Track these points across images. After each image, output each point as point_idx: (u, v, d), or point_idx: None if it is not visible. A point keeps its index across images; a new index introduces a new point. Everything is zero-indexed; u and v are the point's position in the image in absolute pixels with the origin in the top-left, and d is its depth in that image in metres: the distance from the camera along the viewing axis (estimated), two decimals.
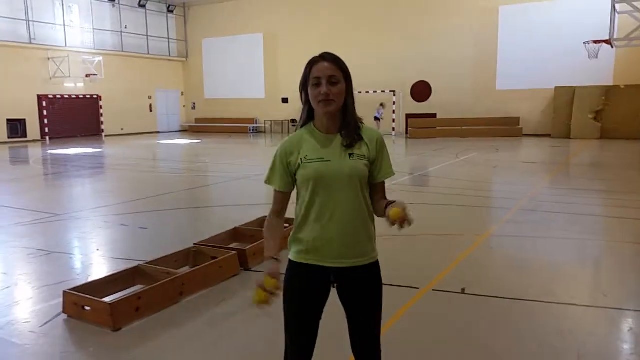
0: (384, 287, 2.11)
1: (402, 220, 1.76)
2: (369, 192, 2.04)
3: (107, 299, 3.86)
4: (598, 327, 3.65)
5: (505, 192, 9.54)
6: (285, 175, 2.04)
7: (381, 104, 22.93)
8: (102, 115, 25.70)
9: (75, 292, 3.91)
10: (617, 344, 3.41)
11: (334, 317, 2.22)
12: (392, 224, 1.78)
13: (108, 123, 25.91)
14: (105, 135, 25.55)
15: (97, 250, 5.85)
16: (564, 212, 7.27)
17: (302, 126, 2.07)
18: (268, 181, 2.09)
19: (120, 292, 4.15)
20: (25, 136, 23.08)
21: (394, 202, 1.86)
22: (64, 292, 3.94)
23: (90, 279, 4.55)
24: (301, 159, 1.98)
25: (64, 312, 3.90)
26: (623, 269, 5.00)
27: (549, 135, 20.78)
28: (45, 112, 23.44)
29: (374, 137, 2.03)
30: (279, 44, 27.82)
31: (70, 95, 24.65)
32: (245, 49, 28.72)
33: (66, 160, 15.91)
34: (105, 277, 4.34)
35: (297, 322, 2.12)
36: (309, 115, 2.05)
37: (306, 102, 2.01)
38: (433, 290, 4.33)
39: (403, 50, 23.97)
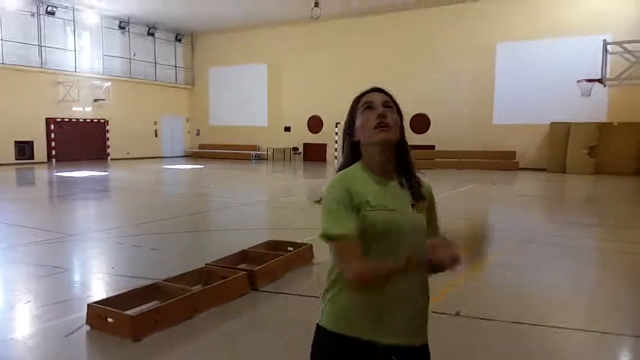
0: None
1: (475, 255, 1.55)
2: None
3: (128, 312, 4.18)
4: (586, 350, 3.96)
5: (501, 224, 9.89)
6: (353, 214, 1.57)
7: None
8: (108, 139, 26.22)
9: (98, 305, 4.23)
10: None
11: None
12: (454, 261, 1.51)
13: (114, 147, 26.41)
14: (111, 159, 26.00)
15: (113, 268, 6.17)
16: (557, 243, 7.61)
17: (343, 168, 1.71)
18: (329, 231, 1.56)
19: (139, 307, 4.47)
20: (33, 158, 23.51)
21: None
22: (88, 305, 4.26)
23: (108, 295, 4.86)
24: (364, 202, 1.57)
25: (87, 323, 4.21)
26: (612, 297, 5.33)
27: (544, 170, 21.23)
28: (52, 135, 23.92)
29: (429, 190, 1.76)
30: (283, 75, 28.56)
31: (77, 119, 25.20)
32: (250, 78, 29.46)
33: (74, 182, 16.29)
34: (125, 293, 4.65)
35: None
36: (352, 156, 1.70)
37: (350, 142, 1.71)
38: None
39: (403, 84, 24.59)
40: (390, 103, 1.67)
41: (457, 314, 4.52)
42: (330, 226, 1.56)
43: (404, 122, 1.69)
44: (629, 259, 6.90)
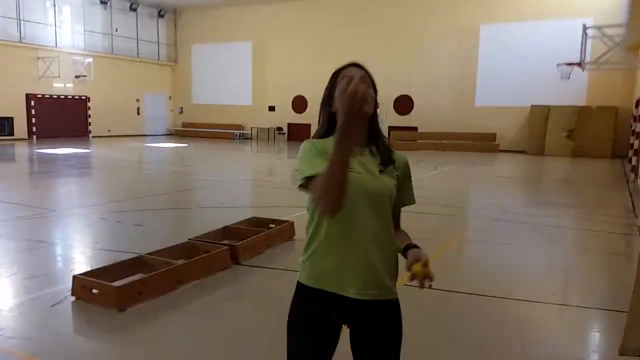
0: None
1: (424, 278, 1.63)
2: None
3: (114, 283, 4.33)
4: (545, 319, 4.23)
5: (478, 203, 10.20)
6: (322, 158, 1.66)
7: None
8: (89, 116, 25.94)
9: (83, 277, 4.38)
10: (557, 334, 3.99)
11: None
12: (412, 279, 1.62)
13: (95, 124, 26.15)
14: (92, 136, 25.77)
15: (97, 243, 6.29)
16: (529, 222, 7.92)
17: (320, 137, 1.83)
18: (304, 173, 1.69)
19: (123, 279, 4.61)
20: (12, 134, 23.20)
21: (414, 246, 1.75)
22: (74, 276, 4.40)
23: (92, 268, 4.99)
24: None
25: (72, 294, 4.35)
26: (574, 272, 5.63)
27: (524, 152, 21.63)
28: (33, 111, 23.60)
29: (403, 160, 1.85)
30: (268, 53, 28.40)
31: (58, 95, 24.85)
32: (234, 56, 29.22)
33: (56, 159, 16.20)
34: (110, 265, 4.79)
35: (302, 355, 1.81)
36: (328, 126, 1.81)
37: (327, 115, 1.82)
38: (404, 285, 4.86)
39: (387, 65, 24.67)
40: (367, 78, 1.77)
41: (430, 286, 4.75)
42: (304, 169, 1.69)
43: (377, 97, 1.79)
44: (598, 236, 7.22)
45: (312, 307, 1.77)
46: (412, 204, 1.90)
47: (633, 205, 9.41)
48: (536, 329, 3.98)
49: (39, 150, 18.88)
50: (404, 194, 1.84)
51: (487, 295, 4.64)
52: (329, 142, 1.67)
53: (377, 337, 1.79)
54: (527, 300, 4.58)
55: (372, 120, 1.79)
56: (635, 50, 16.23)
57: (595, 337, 4.03)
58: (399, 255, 1.81)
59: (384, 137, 1.85)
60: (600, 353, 3.69)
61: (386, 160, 1.78)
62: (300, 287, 1.81)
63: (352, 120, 1.50)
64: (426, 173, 14.28)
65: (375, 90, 1.80)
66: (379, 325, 1.79)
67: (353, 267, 1.71)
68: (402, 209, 1.93)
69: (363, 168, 1.73)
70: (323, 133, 1.83)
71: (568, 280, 5.45)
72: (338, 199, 1.55)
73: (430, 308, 4.33)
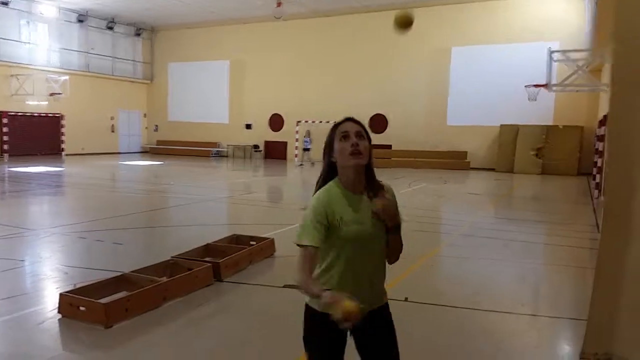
0: None
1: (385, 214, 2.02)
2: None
3: (101, 300, 4.43)
4: (514, 329, 4.50)
5: (450, 219, 10.55)
6: (323, 229, 2.00)
7: (308, 132, 24.02)
8: (63, 134, 25.68)
9: (70, 294, 4.47)
10: (525, 342, 4.25)
11: None
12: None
13: (69, 142, 25.88)
14: (66, 154, 25.48)
15: (79, 261, 6.34)
16: (499, 237, 8.26)
17: (322, 182, 2.13)
18: (299, 238, 2.01)
19: (108, 297, 4.71)
20: None
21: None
22: (60, 294, 4.49)
23: (77, 286, 5.07)
24: (338, 219, 2.02)
25: (59, 312, 4.44)
26: (542, 284, 5.94)
27: (493, 169, 22.26)
28: (5, 129, 23.26)
29: (390, 191, 2.16)
30: (245, 72, 28.67)
31: (32, 113, 24.59)
32: (211, 74, 29.40)
33: (29, 178, 16.02)
34: (95, 283, 4.89)
35: None
36: (329, 172, 2.11)
37: (329, 161, 2.11)
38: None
39: (363, 84, 25.27)
40: (362, 132, 2.07)
41: (406, 299, 4.99)
42: (302, 235, 2.01)
43: (372, 147, 2.11)
44: (564, 250, 7.59)
45: (330, 327, 1.89)
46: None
47: (597, 221, 9.87)
48: (505, 338, 4.24)
49: (11, 169, 18.61)
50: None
51: (460, 307, 4.90)
52: (332, 192, 2.06)
53: (379, 331, 2.18)
54: (496, 311, 4.85)
55: (369, 167, 2.10)
56: (597, 73, 17.06)
57: (560, 344, 4.31)
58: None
59: (378, 182, 2.15)
60: (564, 359, 3.96)
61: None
62: (318, 314, 2.06)
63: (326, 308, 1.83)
64: (400, 190, 14.61)
65: (370, 140, 2.10)
66: (380, 323, 2.18)
67: (361, 292, 2.00)
68: None
69: (360, 218, 2.05)
70: (326, 177, 2.14)
71: (536, 291, 5.76)
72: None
73: (404, 320, 4.55)
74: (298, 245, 2.02)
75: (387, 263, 2.21)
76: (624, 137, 3.23)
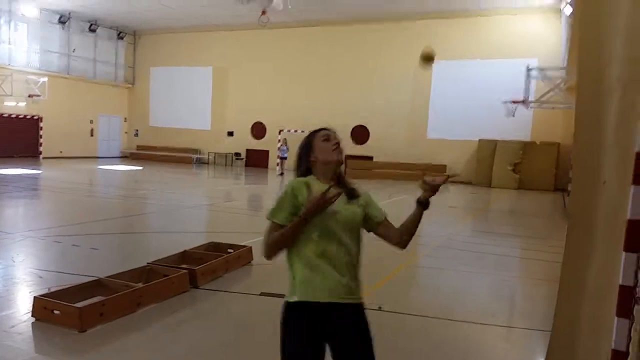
0: None
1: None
2: (385, 232, 2.47)
3: (75, 304, 4.43)
4: (484, 339, 4.62)
5: (427, 231, 10.67)
6: (292, 211, 2.26)
7: (284, 140, 23.62)
8: (41, 136, 25.33)
9: (45, 298, 4.46)
10: (495, 352, 4.38)
11: None
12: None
13: (47, 145, 25.55)
14: (43, 157, 25.14)
15: (54, 266, 6.30)
16: (473, 250, 8.43)
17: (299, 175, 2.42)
18: (270, 214, 2.29)
19: (83, 301, 4.71)
20: None
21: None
22: (35, 297, 4.48)
23: (52, 290, 5.05)
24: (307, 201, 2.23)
25: (32, 315, 4.42)
26: (514, 296, 6.09)
27: (471, 183, 22.60)
28: None
29: (364, 193, 2.47)
30: (228, 79, 28.69)
31: (10, 114, 24.22)
32: (194, 80, 29.35)
33: (4, 180, 15.77)
34: (70, 287, 4.88)
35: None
36: (306, 171, 2.40)
37: (307, 162, 2.40)
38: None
39: (345, 95, 25.49)
40: (338, 138, 2.43)
41: (380, 308, 5.08)
42: (274, 212, 2.29)
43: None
44: (539, 264, 7.78)
45: (304, 317, 2.23)
46: (385, 216, 2.51)
47: None
48: (473, 348, 4.36)
49: None
50: (372, 211, 2.46)
51: (432, 317, 5.01)
52: (308, 181, 2.34)
53: (353, 332, 2.30)
54: (467, 322, 4.97)
55: (340, 169, 2.45)
56: (573, 91, 17.51)
57: (528, 354, 4.44)
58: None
59: (346, 176, 2.49)
60: None
61: (351, 194, 2.38)
62: (295, 306, 2.26)
63: (314, 214, 2.17)
64: (381, 201, 14.74)
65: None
66: (353, 323, 2.30)
67: (329, 275, 2.23)
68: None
69: (338, 203, 2.26)
70: (304, 171, 2.43)
71: (508, 303, 5.91)
72: (274, 255, 2.30)
73: (376, 328, 4.65)
74: (269, 219, 2.29)
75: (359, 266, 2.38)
76: (588, 153, 3.38)
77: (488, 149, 22.35)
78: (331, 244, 2.23)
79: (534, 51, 21.43)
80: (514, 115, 18.41)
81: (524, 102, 16.80)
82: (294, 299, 2.24)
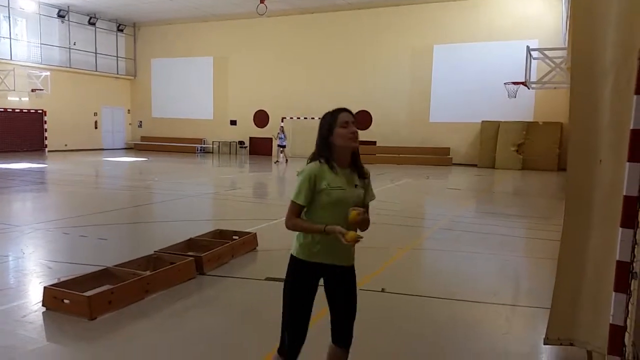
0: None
1: (357, 222, 2.52)
2: None
3: (85, 293, 4.53)
4: (485, 317, 4.70)
5: (430, 214, 10.76)
6: (311, 194, 2.62)
7: (281, 128, 23.66)
8: (46, 130, 25.47)
9: (55, 287, 4.57)
10: (496, 329, 4.45)
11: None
12: (351, 223, 2.53)
13: (52, 138, 25.69)
14: (49, 151, 25.29)
15: (63, 256, 6.41)
16: (477, 231, 8.48)
17: (316, 156, 2.68)
18: (293, 196, 2.64)
19: (92, 290, 4.81)
20: None
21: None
22: (45, 287, 4.58)
23: (61, 280, 5.16)
24: (326, 185, 2.59)
25: (43, 305, 4.53)
26: (517, 275, 6.16)
27: (475, 165, 22.60)
28: None
29: (368, 172, 2.78)
30: (229, 68, 28.67)
31: (13, 109, 24.34)
32: (195, 70, 29.35)
33: (12, 174, 15.93)
34: (78, 277, 4.98)
35: (302, 309, 2.72)
36: (323, 149, 2.67)
37: (327, 141, 2.65)
38: (359, 289, 5.26)
39: (347, 81, 25.44)
40: (354, 120, 2.67)
41: (383, 290, 5.17)
42: (295, 194, 2.63)
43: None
44: (544, 243, 7.83)
45: (307, 274, 2.72)
46: (370, 201, 2.82)
47: None
48: (474, 326, 4.43)
49: None
50: (368, 194, 2.80)
51: (434, 297, 5.09)
52: (324, 170, 2.63)
53: (343, 286, 2.79)
54: (469, 301, 5.04)
55: (356, 150, 2.72)
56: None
57: (528, 331, 4.51)
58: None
59: (360, 161, 2.78)
60: (530, 344, 4.16)
61: (362, 176, 2.74)
62: (299, 261, 2.71)
63: (336, 235, 2.53)
64: (384, 186, 14.82)
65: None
66: (344, 279, 2.78)
67: (338, 245, 2.58)
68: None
69: (346, 184, 2.65)
70: (320, 152, 2.69)
71: (510, 282, 5.97)
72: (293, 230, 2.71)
73: (380, 309, 4.74)
74: (293, 201, 2.64)
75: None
76: (584, 133, 3.42)
77: (491, 131, 22.32)
78: (339, 221, 2.56)
79: (535, 32, 21.29)
80: (515, 96, 18.34)
81: (525, 83, 16.70)
82: (300, 256, 2.69)
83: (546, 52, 16.41)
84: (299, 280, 2.72)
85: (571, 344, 3.58)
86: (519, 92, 18.59)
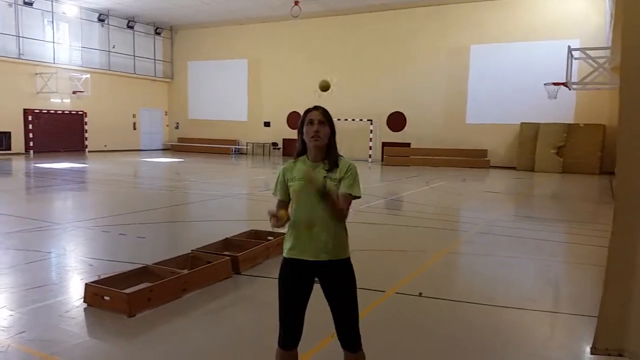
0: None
1: (306, 180, 2.58)
2: None
3: (124, 291, 4.61)
4: (526, 324, 4.55)
5: (466, 217, 10.56)
6: (284, 188, 2.78)
7: None
8: (86, 131, 26.23)
9: (95, 285, 4.66)
10: (537, 337, 4.31)
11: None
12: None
13: (92, 139, 26.44)
14: (89, 151, 26.04)
15: (103, 254, 6.56)
16: (515, 235, 8.26)
17: (297, 156, 2.80)
18: (274, 192, 2.84)
19: (131, 287, 4.89)
20: (10, 149, 23.44)
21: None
22: (86, 284, 4.68)
23: (102, 277, 5.26)
24: (291, 178, 2.72)
25: (84, 301, 4.63)
26: (557, 281, 5.96)
27: (514, 168, 22.09)
28: (30, 126, 23.87)
29: (346, 165, 2.72)
30: (263, 71, 28.91)
31: (56, 111, 25.17)
32: (230, 73, 29.72)
33: (54, 174, 16.45)
34: (118, 274, 5.08)
35: (290, 308, 2.80)
36: (302, 148, 2.79)
37: (301, 139, 2.77)
38: (396, 293, 5.20)
39: (381, 82, 25.28)
40: (324, 120, 2.71)
41: (420, 294, 5.07)
42: (274, 189, 2.83)
43: (335, 130, 2.78)
44: (585, 249, 7.57)
45: (296, 272, 2.75)
46: (356, 195, 2.70)
47: None
48: (516, 333, 4.30)
49: (36, 165, 19.11)
50: (343, 184, 2.68)
51: (472, 303, 4.96)
52: (299, 162, 2.76)
53: (335, 285, 2.73)
54: (509, 307, 4.90)
55: (329, 146, 2.74)
56: (618, 71, 16.80)
57: (572, 339, 4.35)
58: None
59: (337, 154, 2.77)
60: (574, 353, 4.01)
61: (332, 168, 2.70)
62: (287, 261, 2.78)
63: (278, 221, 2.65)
64: (418, 188, 14.65)
65: (332, 125, 2.77)
66: (335, 277, 2.72)
67: (302, 237, 2.70)
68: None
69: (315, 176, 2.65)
70: (300, 151, 2.80)
71: (551, 288, 5.78)
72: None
73: (417, 314, 4.65)
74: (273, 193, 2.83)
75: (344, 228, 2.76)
76: (634, 135, 3.27)
77: (530, 133, 21.77)
78: (305, 207, 2.66)
79: (575, 31, 20.69)
80: (555, 97, 17.82)
81: (566, 84, 16.21)
82: (284, 254, 2.80)
83: (588, 51, 15.88)
84: (282, 278, 2.79)
85: (620, 355, 3.42)
86: (559, 93, 18.07)
